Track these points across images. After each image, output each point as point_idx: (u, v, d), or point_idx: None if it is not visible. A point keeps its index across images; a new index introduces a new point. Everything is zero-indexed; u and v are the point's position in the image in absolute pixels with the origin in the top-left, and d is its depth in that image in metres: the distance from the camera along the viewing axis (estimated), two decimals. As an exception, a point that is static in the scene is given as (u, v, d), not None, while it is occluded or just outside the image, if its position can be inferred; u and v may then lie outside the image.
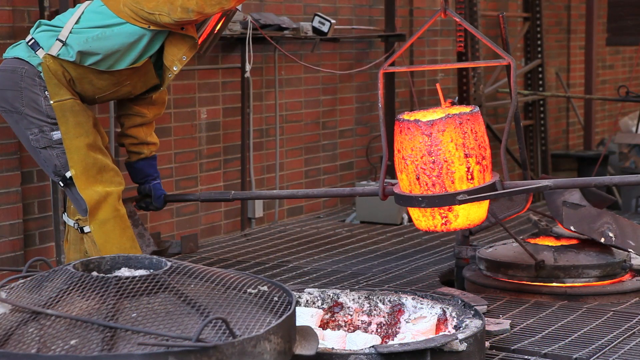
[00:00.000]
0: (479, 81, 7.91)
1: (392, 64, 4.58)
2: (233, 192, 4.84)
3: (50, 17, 4.94)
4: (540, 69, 9.16)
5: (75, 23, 4.27)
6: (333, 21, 6.58)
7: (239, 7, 4.57)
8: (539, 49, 9.14)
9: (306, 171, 7.13)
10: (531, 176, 8.43)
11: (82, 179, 4.27)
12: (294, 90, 6.97)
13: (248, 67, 6.18)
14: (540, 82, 9.19)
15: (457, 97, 4.38)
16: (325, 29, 6.53)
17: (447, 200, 4.05)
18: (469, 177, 4.05)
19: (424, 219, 4.21)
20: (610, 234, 4.64)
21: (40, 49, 4.26)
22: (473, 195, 4.04)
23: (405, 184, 4.16)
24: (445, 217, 4.15)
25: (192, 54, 4.40)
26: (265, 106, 6.72)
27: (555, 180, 4.21)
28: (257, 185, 6.66)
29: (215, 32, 4.88)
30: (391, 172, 6.57)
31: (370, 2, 7.61)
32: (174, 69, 4.39)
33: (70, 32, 4.25)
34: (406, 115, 4.22)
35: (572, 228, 4.69)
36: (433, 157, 4.03)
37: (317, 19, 6.55)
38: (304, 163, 7.12)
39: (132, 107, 4.62)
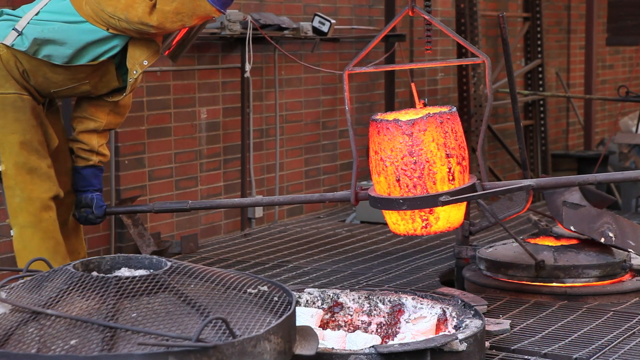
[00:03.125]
0: (479, 81, 7.91)
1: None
2: (190, 201, 4.68)
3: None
4: (540, 69, 9.17)
5: (35, 15, 4.22)
6: (333, 21, 6.58)
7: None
8: (539, 49, 9.15)
9: (306, 171, 7.13)
10: (531, 176, 8.43)
11: (10, 176, 4.21)
12: (294, 90, 6.97)
13: (248, 67, 6.18)
14: (540, 82, 9.20)
15: (427, 99, 4.32)
16: (325, 29, 6.53)
17: (430, 201, 3.96)
18: (450, 177, 4.00)
19: (402, 222, 4.12)
20: (610, 234, 4.63)
21: None
22: (456, 197, 3.97)
23: (383, 186, 4.07)
24: (426, 219, 4.08)
25: (154, 59, 4.31)
26: (265, 106, 6.73)
27: (537, 180, 4.19)
28: (257, 185, 6.66)
29: (188, 38, 4.68)
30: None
31: (370, 2, 7.61)
32: (134, 72, 4.28)
33: (28, 23, 4.19)
34: (381, 116, 4.16)
35: (572, 228, 4.69)
36: (414, 158, 3.94)
37: (317, 19, 6.55)
38: (304, 163, 7.12)
39: (88, 109, 4.48)
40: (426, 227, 4.10)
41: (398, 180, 3.99)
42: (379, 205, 4.09)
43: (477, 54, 4.18)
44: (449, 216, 4.09)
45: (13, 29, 4.20)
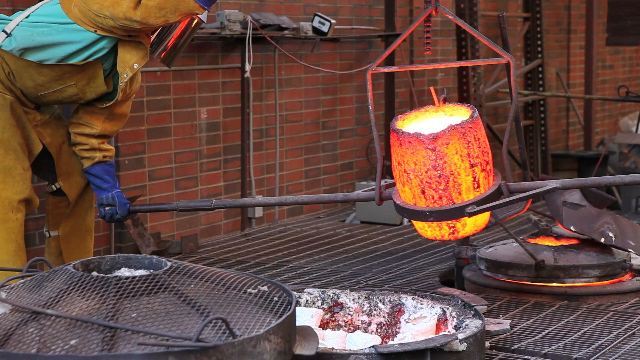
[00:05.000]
0: (479, 81, 7.91)
1: (391, 63, 4.58)
2: (214, 200, 4.68)
3: None
4: (540, 69, 9.16)
5: (26, 17, 4.26)
6: (333, 21, 6.58)
7: (203, 18, 4.47)
8: (539, 49, 9.15)
9: (306, 171, 7.13)
10: (531, 176, 8.43)
11: None
12: (294, 90, 6.97)
13: (248, 67, 6.18)
14: (540, 82, 9.20)
15: (445, 89, 4.27)
16: (325, 29, 6.53)
17: (456, 213, 3.95)
18: (476, 185, 3.97)
19: (429, 229, 4.11)
20: (610, 234, 4.63)
21: None
22: (482, 206, 3.94)
23: (408, 196, 4.04)
24: (453, 226, 4.08)
25: (144, 62, 4.32)
26: (265, 106, 6.73)
27: (563, 181, 4.15)
28: (257, 185, 6.66)
29: (181, 42, 4.67)
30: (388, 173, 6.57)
31: (370, 2, 7.61)
32: (125, 76, 4.29)
33: (17, 25, 4.23)
34: (400, 122, 4.09)
35: (572, 228, 4.69)
36: (439, 171, 3.90)
37: (317, 19, 6.55)
38: (304, 163, 7.12)
39: (83, 117, 4.49)
40: (453, 234, 4.12)
41: (423, 192, 3.96)
42: (406, 214, 4.08)
43: (502, 54, 4.14)
44: (476, 220, 4.08)
45: (2, 31, 4.24)
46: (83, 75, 4.30)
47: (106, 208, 4.56)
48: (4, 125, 4.22)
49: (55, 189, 4.57)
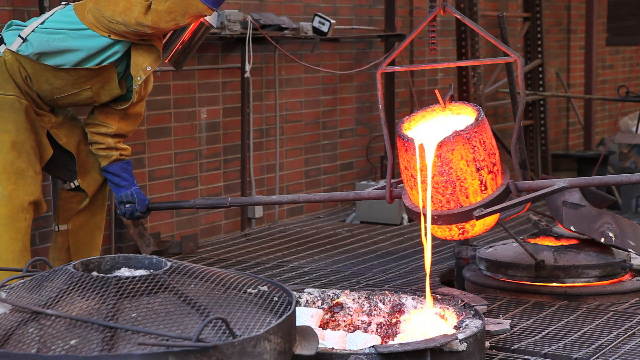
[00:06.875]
0: (479, 81, 7.91)
1: (392, 64, 4.55)
2: (230, 198, 4.72)
3: None
4: (540, 69, 9.16)
5: (41, 23, 4.34)
6: (333, 21, 6.58)
7: (213, 22, 4.53)
8: (539, 49, 9.15)
9: (306, 171, 7.13)
10: (531, 176, 8.42)
11: None
12: (294, 90, 6.97)
13: (248, 67, 6.18)
14: (540, 82, 9.20)
15: (452, 85, 4.27)
16: (325, 29, 6.54)
17: (464, 217, 3.96)
18: (483, 188, 3.98)
19: (439, 230, 4.13)
20: (610, 234, 4.63)
21: (3, 44, 4.33)
22: (490, 209, 3.94)
23: (416, 198, 4.04)
24: (462, 227, 4.09)
25: (156, 65, 4.42)
26: (265, 106, 6.73)
27: (571, 180, 4.13)
28: (257, 185, 6.66)
29: (191, 45, 4.73)
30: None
31: (370, 2, 7.61)
32: (138, 78, 4.38)
33: (32, 31, 4.32)
34: (407, 125, 4.09)
35: (572, 228, 4.69)
36: (445, 177, 3.90)
37: (317, 19, 6.55)
38: (304, 163, 7.12)
39: (98, 117, 4.58)
40: (463, 234, 4.13)
41: (431, 197, 3.97)
42: (415, 217, 4.09)
43: (509, 52, 4.14)
44: (485, 220, 4.09)
45: (18, 36, 4.33)
46: (98, 79, 4.39)
47: (126, 205, 4.64)
48: (18, 128, 4.30)
49: (73, 186, 4.64)
